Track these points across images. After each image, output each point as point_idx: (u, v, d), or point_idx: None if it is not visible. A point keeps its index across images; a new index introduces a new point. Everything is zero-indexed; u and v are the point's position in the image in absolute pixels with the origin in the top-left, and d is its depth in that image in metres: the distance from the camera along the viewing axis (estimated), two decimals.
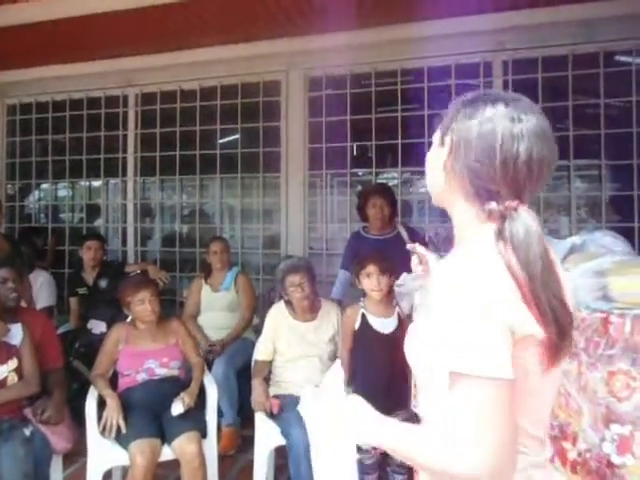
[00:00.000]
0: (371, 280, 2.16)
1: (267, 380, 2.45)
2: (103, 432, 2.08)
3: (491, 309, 0.70)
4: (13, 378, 1.97)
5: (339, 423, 0.89)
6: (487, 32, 3.21)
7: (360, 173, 4.13)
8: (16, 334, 2.04)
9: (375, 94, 3.47)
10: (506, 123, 0.76)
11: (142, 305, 2.29)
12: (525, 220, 0.75)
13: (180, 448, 2.03)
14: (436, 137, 0.87)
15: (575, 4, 2.94)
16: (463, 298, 0.72)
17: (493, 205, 0.77)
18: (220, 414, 2.63)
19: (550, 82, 3.25)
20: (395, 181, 4.24)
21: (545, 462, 0.82)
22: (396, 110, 3.43)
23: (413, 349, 0.86)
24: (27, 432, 1.93)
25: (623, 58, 3.25)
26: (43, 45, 3.46)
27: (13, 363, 1.98)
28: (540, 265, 0.73)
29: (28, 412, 2.02)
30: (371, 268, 2.16)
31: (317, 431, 0.97)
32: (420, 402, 0.91)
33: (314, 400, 0.98)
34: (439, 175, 0.85)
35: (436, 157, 0.86)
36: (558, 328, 0.72)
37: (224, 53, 3.59)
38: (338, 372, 1.00)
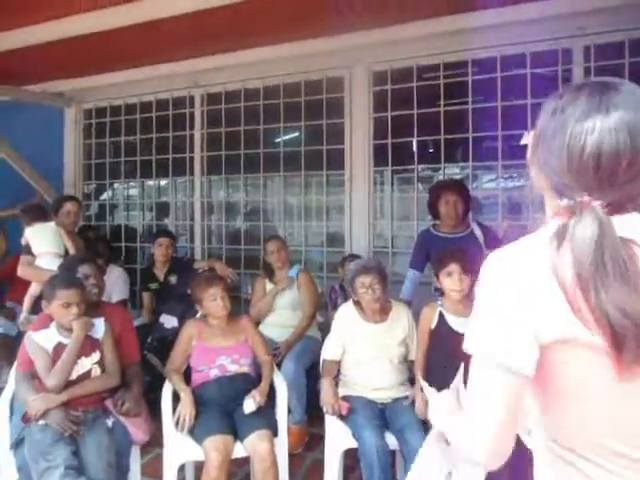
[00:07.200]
0: (452, 279, 2.07)
1: (335, 380, 2.42)
2: (177, 425, 2.13)
3: (520, 312, 0.72)
4: (96, 370, 2.06)
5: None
6: (565, 16, 3.00)
7: (427, 169, 4.00)
8: (99, 328, 2.12)
9: (444, 86, 3.34)
10: (579, 116, 0.73)
11: (214, 301, 2.32)
12: (589, 219, 0.70)
13: (252, 446, 2.04)
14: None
15: None
16: (496, 294, 0.75)
17: (565, 200, 0.75)
18: (288, 412, 2.64)
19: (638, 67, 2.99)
20: (458, 176, 4.09)
21: None
22: (467, 102, 3.29)
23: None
24: (109, 423, 2.01)
25: None
26: (114, 52, 3.61)
27: (96, 356, 2.06)
28: (593, 268, 0.68)
29: (109, 403, 2.10)
30: (453, 267, 2.07)
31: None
32: None
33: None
34: (531, 171, 0.85)
35: (529, 153, 0.86)
36: (612, 337, 0.67)
37: (287, 51, 3.58)
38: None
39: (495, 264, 0.78)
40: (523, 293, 0.73)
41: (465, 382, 1.21)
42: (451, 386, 1.07)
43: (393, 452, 2.17)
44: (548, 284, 0.71)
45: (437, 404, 1.02)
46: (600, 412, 0.73)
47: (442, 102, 3.36)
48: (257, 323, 3.12)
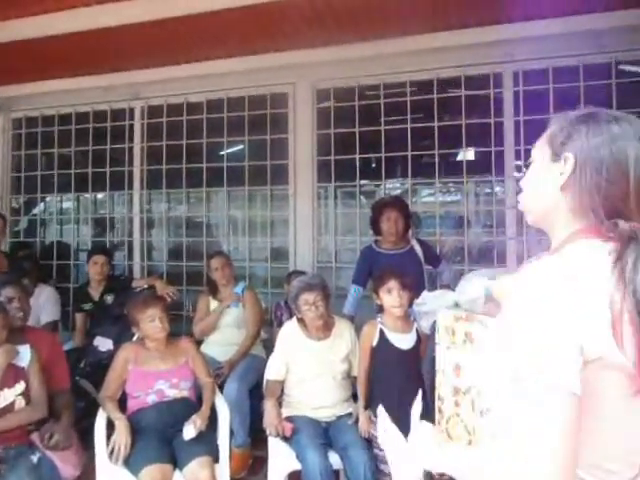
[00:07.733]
0: (392, 296, 2.11)
1: (279, 400, 2.38)
2: (111, 456, 2.02)
3: (567, 330, 0.69)
4: (21, 402, 1.91)
5: (409, 450, 1.00)
6: (496, 43, 3.19)
7: (368, 185, 4.10)
8: (24, 355, 1.98)
9: (384, 106, 3.44)
10: (636, 141, 0.78)
11: (152, 323, 2.23)
12: None
13: (193, 474, 1.97)
14: (541, 154, 0.85)
15: (584, 15, 2.91)
16: (540, 315, 0.70)
17: (622, 224, 0.75)
18: (230, 434, 2.57)
19: (562, 93, 3.21)
20: (398, 191, 4.23)
21: None
22: (406, 121, 3.40)
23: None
24: (34, 459, 1.87)
25: (634, 68, 3.22)
26: (49, 59, 3.45)
27: (20, 386, 1.92)
28: None
29: (35, 437, 1.95)
30: (392, 283, 2.11)
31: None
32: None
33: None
34: (548, 193, 0.83)
35: (545, 174, 0.84)
36: None
37: (231, 66, 3.56)
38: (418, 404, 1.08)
39: (533, 284, 0.74)
40: (568, 309, 0.70)
41: (427, 410, 1.18)
42: (413, 415, 1.05)
43: (337, 472, 2.17)
44: (594, 300, 0.70)
45: (419, 441, 0.99)
46: (610, 432, 0.72)
47: (382, 120, 3.45)
48: (199, 342, 3.04)
